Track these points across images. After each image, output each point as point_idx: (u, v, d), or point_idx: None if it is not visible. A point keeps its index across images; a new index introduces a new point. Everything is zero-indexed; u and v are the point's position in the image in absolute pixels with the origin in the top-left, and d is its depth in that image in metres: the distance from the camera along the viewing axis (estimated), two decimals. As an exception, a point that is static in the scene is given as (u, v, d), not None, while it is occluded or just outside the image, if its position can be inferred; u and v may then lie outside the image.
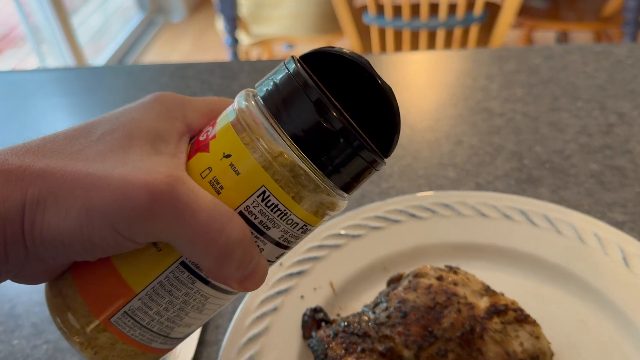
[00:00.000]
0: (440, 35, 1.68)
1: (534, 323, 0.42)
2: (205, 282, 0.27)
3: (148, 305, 0.27)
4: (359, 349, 0.41)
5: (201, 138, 0.28)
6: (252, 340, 0.45)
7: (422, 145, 0.69)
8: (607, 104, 0.72)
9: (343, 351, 0.41)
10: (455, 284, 0.44)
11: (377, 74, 0.27)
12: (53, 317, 0.29)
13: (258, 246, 0.27)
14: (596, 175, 0.61)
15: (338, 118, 0.26)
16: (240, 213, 0.26)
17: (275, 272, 0.50)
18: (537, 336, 0.42)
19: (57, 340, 0.50)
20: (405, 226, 0.53)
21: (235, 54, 1.99)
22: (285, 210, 0.27)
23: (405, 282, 0.45)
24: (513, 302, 0.43)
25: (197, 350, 0.47)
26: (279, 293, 0.48)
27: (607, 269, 0.48)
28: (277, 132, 0.26)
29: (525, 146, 0.66)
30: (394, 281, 0.47)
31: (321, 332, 0.43)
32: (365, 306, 0.46)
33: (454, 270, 0.46)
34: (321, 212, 0.28)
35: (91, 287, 0.27)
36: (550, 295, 0.48)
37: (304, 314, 0.46)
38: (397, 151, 0.68)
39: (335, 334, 0.43)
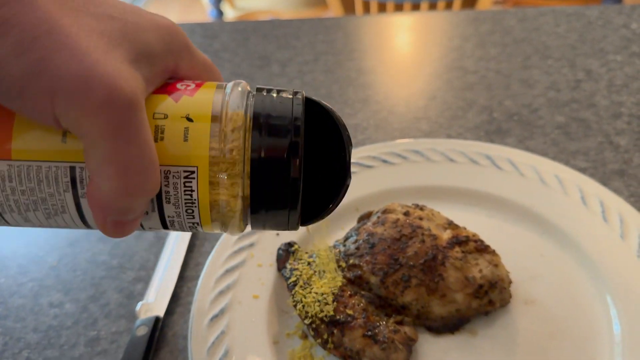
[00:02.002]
0: (424, 8, 1.70)
1: (493, 253, 0.45)
2: (76, 199, 0.26)
3: (11, 176, 0.25)
4: (329, 276, 0.44)
5: (179, 86, 0.27)
6: (229, 272, 0.47)
7: (398, 101, 0.71)
8: (576, 62, 0.74)
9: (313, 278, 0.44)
10: (421, 218, 0.47)
11: (349, 154, 0.28)
12: None
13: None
14: (562, 126, 0.64)
15: (298, 169, 0.26)
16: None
17: (251, 212, 0.52)
18: (496, 264, 0.44)
19: (42, 278, 0.52)
20: (377, 171, 0.56)
21: (220, 26, 1.99)
22: (194, 201, 0.26)
23: (374, 218, 0.48)
24: (474, 234, 0.46)
25: (177, 285, 0.50)
26: (255, 231, 0.51)
27: (566, 208, 0.51)
28: (244, 146, 0.26)
29: (496, 101, 0.69)
30: (364, 218, 0.49)
31: (294, 263, 0.46)
32: (337, 241, 0.48)
33: (420, 207, 0.48)
34: (218, 225, 0.28)
35: None
36: (512, 232, 0.51)
37: (279, 248, 0.48)
38: (373, 106, 0.70)
39: (307, 264, 0.45)
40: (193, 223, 0.27)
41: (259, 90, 0.28)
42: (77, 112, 0.22)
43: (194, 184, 0.26)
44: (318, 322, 0.41)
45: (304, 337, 0.44)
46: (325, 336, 0.41)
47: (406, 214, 0.47)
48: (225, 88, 0.28)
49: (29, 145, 0.25)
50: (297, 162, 0.26)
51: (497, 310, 0.44)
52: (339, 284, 0.43)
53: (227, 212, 0.27)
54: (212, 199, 0.26)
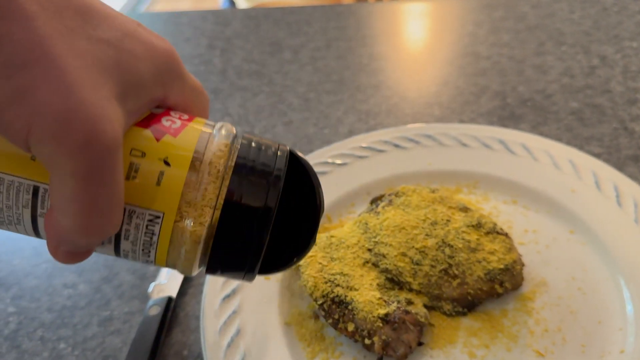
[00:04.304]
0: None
1: (506, 235, 0.45)
2: (34, 216, 0.25)
3: None
4: (341, 257, 0.44)
5: (164, 121, 0.26)
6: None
7: (410, 86, 0.71)
8: (591, 48, 0.73)
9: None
10: (434, 201, 0.46)
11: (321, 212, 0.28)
12: None
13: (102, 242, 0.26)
14: (576, 112, 0.63)
15: (265, 234, 0.25)
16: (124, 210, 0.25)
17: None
18: (509, 247, 0.44)
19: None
20: (390, 155, 0.56)
21: (231, 16, 1.99)
22: (154, 244, 0.26)
23: (385, 201, 0.48)
24: (487, 218, 0.46)
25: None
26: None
27: (580, 192, 0.50)
28: (217, 201, 0.25)
29: (509, 86, 0.68)
30: (376, 200, 0.49)
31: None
32: (351, 222, 0.48)
33: (433, 190, 0.48)
34: (171, 266, 0.27)
35: None
36: (525, 216, 0.50)
37: (290, 231, 0.48)
38: (384, 92, 0.70)
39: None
40: (147, 260, 0.27)
41: (245, 140, 0.27)
42: (52, 149, 0.21)
43: (156, 229, 0.25)
44: (329, 302, 0.41)
45: (316, 317, 0.44)
46: (336, 316, 0.41)
47: (419, 197, 0.47)
48: (211, 130, 0.27)
49: None
50: (265, 234, 0.25)
51: (509, 293, 0.44)
52: (351, 264, 0.44)
53: (184, 259, 0.26)
54: (172, 245, 0.26)
